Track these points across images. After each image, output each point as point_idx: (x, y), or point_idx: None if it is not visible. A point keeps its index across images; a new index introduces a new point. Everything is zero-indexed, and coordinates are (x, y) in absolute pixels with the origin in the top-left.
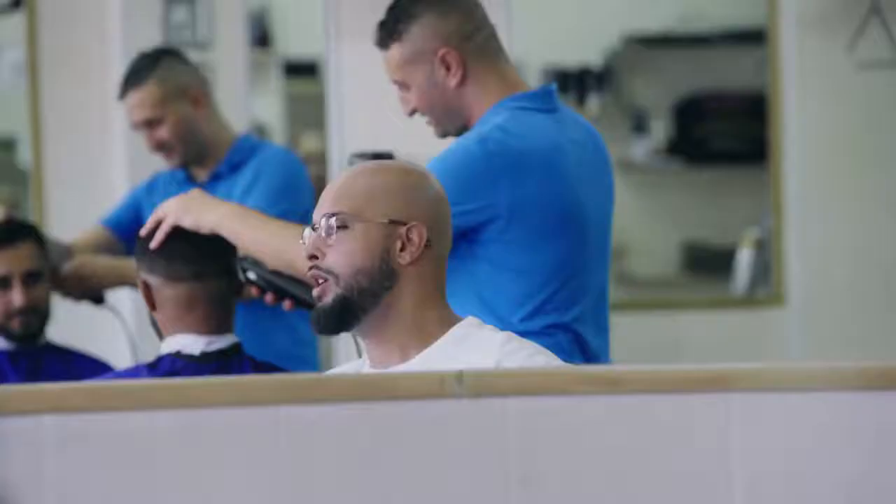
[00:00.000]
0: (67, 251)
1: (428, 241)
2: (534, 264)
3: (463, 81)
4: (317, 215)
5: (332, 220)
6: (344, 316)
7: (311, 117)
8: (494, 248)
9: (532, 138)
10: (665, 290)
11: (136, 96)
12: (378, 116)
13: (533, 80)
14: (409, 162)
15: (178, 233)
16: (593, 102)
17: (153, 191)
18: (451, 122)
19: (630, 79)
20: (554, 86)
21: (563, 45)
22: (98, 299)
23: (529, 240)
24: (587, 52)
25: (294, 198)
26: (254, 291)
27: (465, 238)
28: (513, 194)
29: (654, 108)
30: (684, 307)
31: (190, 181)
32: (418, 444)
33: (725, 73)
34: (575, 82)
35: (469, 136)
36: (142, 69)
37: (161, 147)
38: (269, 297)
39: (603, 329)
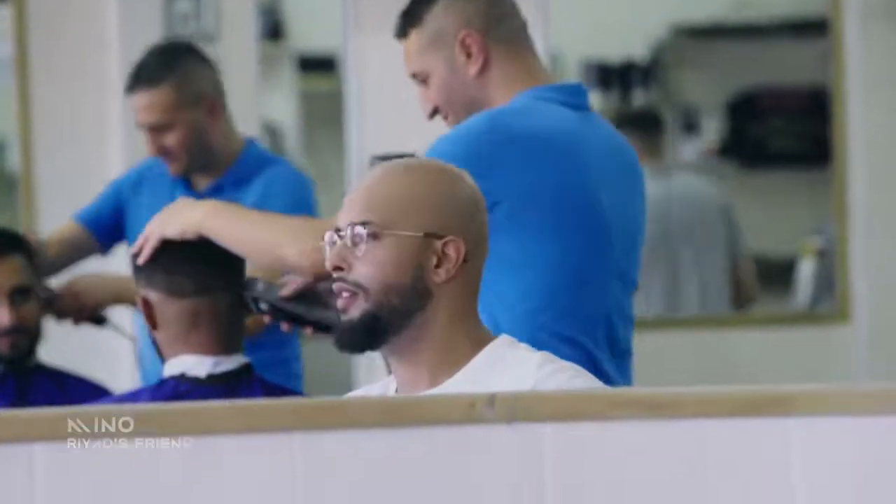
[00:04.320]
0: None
1: (465, 255)
2: (538, 258)
3: (484, 69)
4: (342, 221)
5: (362, 230)
6: (371, 334)
7: (326, 116)
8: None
9: (547, 122)
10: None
11: (146, 97)
12: (399, 115)
13: (571, 76)
14: (440, 161)
15: (177, 243)
16: (638, 99)
17: (139, 187)
18: (469, 116)
19: (679, 73)
20: (582, 86)
21: (604, 37)
22: (99, 320)
23: (536, 231)
24: (632, 45)
25: None
26: (266, 320)
27: None
28: (521, 178)
29: (706, 105)
30: (739, 324)
31: (187, 188)
32: (446, 474)
33: (784, 66)
34: (618, 77)
35: (477, 116)
36: (158, 67)
37: (163, 153)
38: (284, 326)
39: (623, 352)
